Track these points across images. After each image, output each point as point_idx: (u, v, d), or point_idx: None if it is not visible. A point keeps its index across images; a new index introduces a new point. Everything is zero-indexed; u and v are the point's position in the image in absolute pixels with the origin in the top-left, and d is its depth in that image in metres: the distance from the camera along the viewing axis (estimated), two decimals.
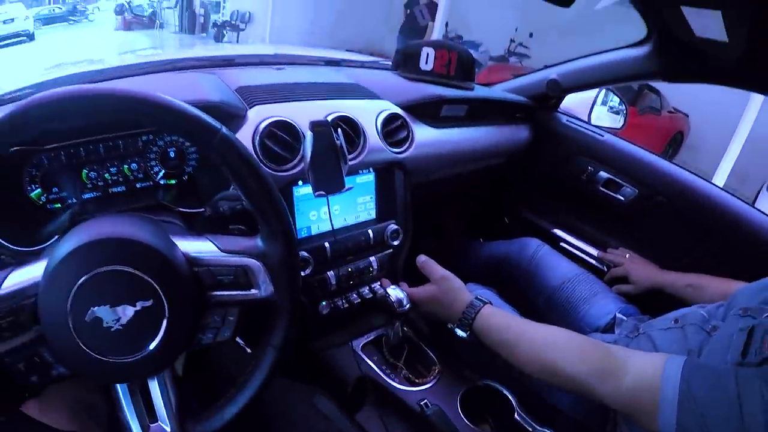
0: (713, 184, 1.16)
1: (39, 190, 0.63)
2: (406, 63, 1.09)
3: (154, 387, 0.51)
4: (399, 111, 0.92)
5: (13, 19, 9.17)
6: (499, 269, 1.16)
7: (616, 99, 1.42)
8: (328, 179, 0.69)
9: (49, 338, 0.44)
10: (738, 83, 0.89)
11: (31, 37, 9.34)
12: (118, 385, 0.50)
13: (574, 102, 1.37)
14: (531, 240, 1.16)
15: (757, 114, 4.06)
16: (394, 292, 0.74)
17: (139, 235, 0.45)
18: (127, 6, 11.58)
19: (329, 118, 0.79)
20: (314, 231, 0.83)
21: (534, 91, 1.27)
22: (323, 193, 0.69)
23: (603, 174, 1.25)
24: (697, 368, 0.54)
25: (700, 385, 0.52)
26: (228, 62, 1.01)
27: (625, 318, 0.92)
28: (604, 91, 1.37)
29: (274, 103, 0.78)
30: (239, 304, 0.52)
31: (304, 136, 0.75)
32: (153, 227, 0.48)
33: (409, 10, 5.70)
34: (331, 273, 0.82)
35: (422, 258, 0.79)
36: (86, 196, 0.66)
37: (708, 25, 0.74)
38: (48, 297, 0.43)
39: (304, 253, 0.78)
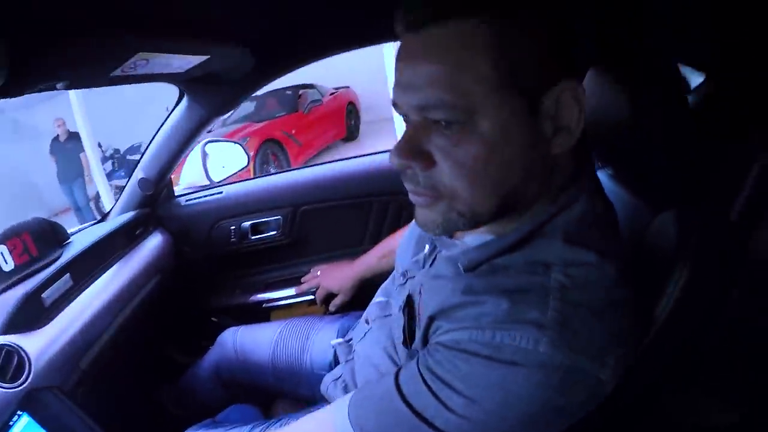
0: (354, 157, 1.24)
1: None
2: None
3: None
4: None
5: None
6: (220, 384, 1.02)
7: (219, 145, 1.43)
8: None
9: None
10: (252, 87, 1.00)
11: None
12: None
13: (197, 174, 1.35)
14: (225, 333, 1.04)
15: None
16: None
17: None
18: None
19: None
20: None
21: (138, 199, 1.18)
22: None
23: (245, 224, 1.28)
24: (361, 403, 0.44)
25: (373, 421, 0.42)
26: None
27: (341, 340, 0.81)
28: (200, 150, 1.36)
29: None
30: None
31: None
32: None
33: (55, 157, 5.41)
34: None
35: None
36: None
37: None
38: None
39: None
